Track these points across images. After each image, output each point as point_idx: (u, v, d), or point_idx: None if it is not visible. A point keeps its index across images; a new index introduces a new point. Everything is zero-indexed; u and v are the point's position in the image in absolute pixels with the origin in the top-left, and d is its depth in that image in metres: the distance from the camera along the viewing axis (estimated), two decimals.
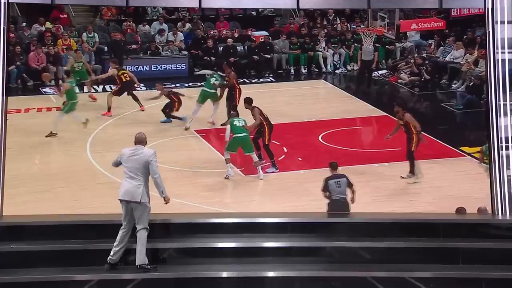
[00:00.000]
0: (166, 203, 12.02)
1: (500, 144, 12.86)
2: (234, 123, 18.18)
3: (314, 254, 12.45)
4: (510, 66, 12.86)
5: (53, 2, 14.19)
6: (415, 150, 17.85)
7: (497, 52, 12.82)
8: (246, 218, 13.20)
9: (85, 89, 24.55)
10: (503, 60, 12.79)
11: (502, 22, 12.82)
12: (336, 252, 12.46)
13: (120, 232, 11.81)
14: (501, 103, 12.80)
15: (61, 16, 28.41)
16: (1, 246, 12.04)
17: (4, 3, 12.55)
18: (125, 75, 22.97)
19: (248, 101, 18.83)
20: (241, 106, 19.86)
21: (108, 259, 11.73)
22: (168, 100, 21.75)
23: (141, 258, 11.71)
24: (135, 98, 22.88)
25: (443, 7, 17.37)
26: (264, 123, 18.39)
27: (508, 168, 12.89)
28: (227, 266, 12.13)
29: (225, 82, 21.61)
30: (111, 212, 13.12)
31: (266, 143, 18.48)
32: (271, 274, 11.85)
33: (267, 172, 18.39)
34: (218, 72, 22.87)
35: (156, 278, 11.72)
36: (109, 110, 22.53)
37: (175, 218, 13.04)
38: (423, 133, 18.12)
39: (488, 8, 12.89)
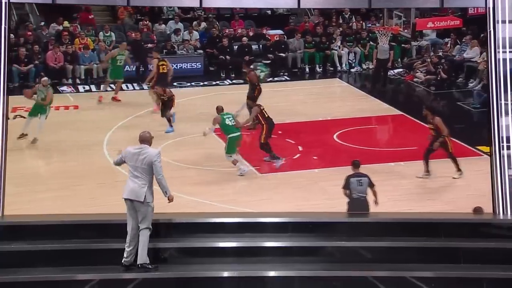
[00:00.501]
0: (169, 202, 12.13)
1: (501, 144, 12.84)
2: (226, 122, 18.18)
3: (315, 253, 12.52)
4: (511, 66, 12.81)
5: (54, 2, 14.26)
6: (453, 151, 17.93)
7: (498, 52, 12.78)
8: (247, 218, 13.28)
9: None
10: (504, 60, 12.74)
11: (504, 22, 12.77)
12: (337, 252, 12.53)
13: (129, 232, 11.90)
14: (502, 102, 12.76)
15: (89, 17, 28.52)
16: (1, 246, 12.19)
17: (5, 3, 12.66)
18: (163, 66, 22.81)
19: (253, 99, 18.86)
20: None
21: (122, 261, 11.84)
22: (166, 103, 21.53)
23: (142, 257, 11.81)
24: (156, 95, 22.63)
25: (444, 7, 17.29)
26: (263, 122, 18.38)
27: (509, 167, 12.85)
28: (228, 265, 12.25)
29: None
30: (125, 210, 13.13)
31: (262, 141, 18.49)
32: (271, 273, 11.94)
33: (276, 167, 18.38)
34: (262, 61, 22.67)
35: (157, 278, 11.83)
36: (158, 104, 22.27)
37: (176, 217, 13.14)
38: None
39: (489, 8, 12.86)
